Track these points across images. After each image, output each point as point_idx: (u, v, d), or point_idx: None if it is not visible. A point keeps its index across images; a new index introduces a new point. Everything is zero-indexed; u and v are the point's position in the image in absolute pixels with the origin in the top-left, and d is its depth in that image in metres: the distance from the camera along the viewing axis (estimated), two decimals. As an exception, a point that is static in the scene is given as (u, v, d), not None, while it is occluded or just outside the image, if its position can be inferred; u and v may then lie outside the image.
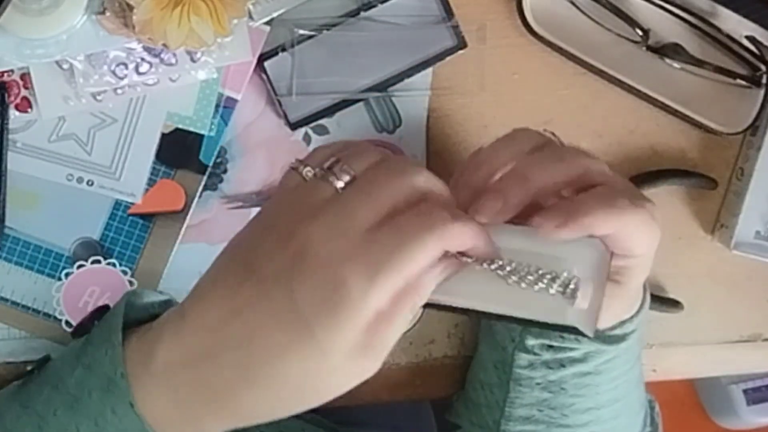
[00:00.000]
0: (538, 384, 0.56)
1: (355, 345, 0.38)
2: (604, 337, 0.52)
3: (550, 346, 0.54)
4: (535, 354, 0.55)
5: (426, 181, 0.40)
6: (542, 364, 0.55)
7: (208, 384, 0.40)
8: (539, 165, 0.44)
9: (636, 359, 0.57)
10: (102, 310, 0.48)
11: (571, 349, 0.53)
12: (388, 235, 0.38)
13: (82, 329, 0.47)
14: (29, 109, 0.59)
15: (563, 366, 0.54)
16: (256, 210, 0.62)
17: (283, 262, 0.38)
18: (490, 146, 0.47)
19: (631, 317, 0.52)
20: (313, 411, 0.41)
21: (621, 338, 0.52)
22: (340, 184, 0.40)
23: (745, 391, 1.47)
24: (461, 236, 0.39)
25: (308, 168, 0.41)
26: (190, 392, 0.40)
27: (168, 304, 0.49)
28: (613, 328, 0.52)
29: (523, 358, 0.55)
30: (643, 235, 0.43)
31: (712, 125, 0.64)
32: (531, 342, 0.54)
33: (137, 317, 0.45)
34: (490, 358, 0.60)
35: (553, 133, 0.49)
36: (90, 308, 0.61)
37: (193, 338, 0.40)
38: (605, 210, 0.42)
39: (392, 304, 0.38)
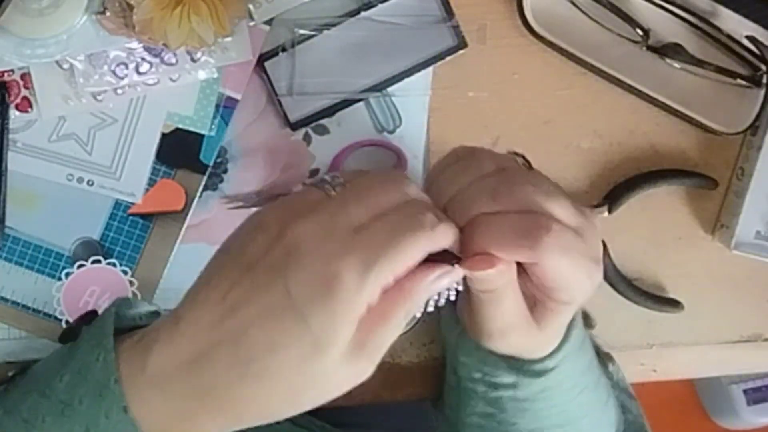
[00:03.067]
0: (482, 398, 0.55)
1: (350, 342, 0.39)
2: (523, 370, 0.51)
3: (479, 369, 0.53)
4: (470, 369, 0.54)
5: (416, 192, 0.42)
6: (480, 381, 0.54)
7: (203, 384, 0.40)
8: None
9: (584, 387, 0.55)
10: (89, 317, 0.48)
11: (497, 375, 0.52)
12: (379, 232, 0.39)
13: (70, 334, 0.47)
14: (29, 109, 0.59)
15: (497, 388, 0.53)
16: (256, 209, 0.63)
17: (276, 256, 0.39)
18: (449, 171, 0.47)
19: (551, 354, 0.51)
20: (311, 413, 0.41)
21: (540, 373, 0.51)
22: (331, 192, 0.41)
23: (745, 391, 1.47)
24: (446, 236, 0.41)
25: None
26: (185, 394, 0.40)
27: (155, 315, 0.49)
28: (532, 362, 0.51)
29: (464, 370, 0.55)
30: (575, 279, 0.44)
31: (712, 125, 0.64)
32: (463, 359, 0.54)
33: (123, 326, 0.45)
34: (449, 361, 0.59)
35: (522, 156, 0.50)
36: (90, 308, 0.61)
37: (188, 341, 0.40)
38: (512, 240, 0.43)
39: (387, 304, 0.39)
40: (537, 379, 0.51)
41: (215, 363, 0.39)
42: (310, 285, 0.38)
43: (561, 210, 0.44)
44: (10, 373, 0.49)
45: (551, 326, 0.48)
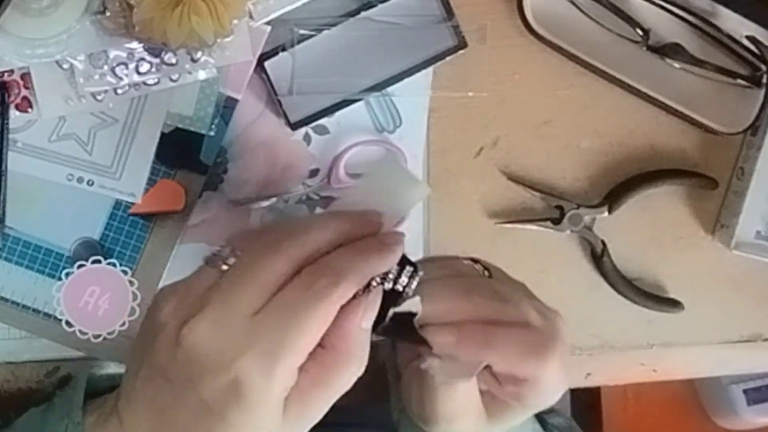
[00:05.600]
0: None
1: (286, 417, 0.38)
2: None
3: None
4: None
5: (303, 244, 0.39)
6: None
7: None
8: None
9: None
10: (65, 380, 0.49)
11: None
12: (275, 318, 0.37)
13: (46, 397, 0.48)
14: (29, 109, 0.59)
15: None
16: (256, 209, 0.63)
17: (180, 366, 0.38)
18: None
19: None
20: None
21: None
22: (224, 267, 0.39)
23: (745, 391, 1.47)
24: (350, 291, 0.38)
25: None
26: None
27: None
28: None
29: None
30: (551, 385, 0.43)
31: (713, 125, 0.64)
32: None
33: (98, 387, 0.47)
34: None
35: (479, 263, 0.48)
36: (90, 308, 0.61)
37: None
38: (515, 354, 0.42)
39: (320, 371, 0.38)
40: None
41: None
42: (219, 391, 0.37)
43: (534, 315, 0.44)
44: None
45: (503, 422, 0.46)
